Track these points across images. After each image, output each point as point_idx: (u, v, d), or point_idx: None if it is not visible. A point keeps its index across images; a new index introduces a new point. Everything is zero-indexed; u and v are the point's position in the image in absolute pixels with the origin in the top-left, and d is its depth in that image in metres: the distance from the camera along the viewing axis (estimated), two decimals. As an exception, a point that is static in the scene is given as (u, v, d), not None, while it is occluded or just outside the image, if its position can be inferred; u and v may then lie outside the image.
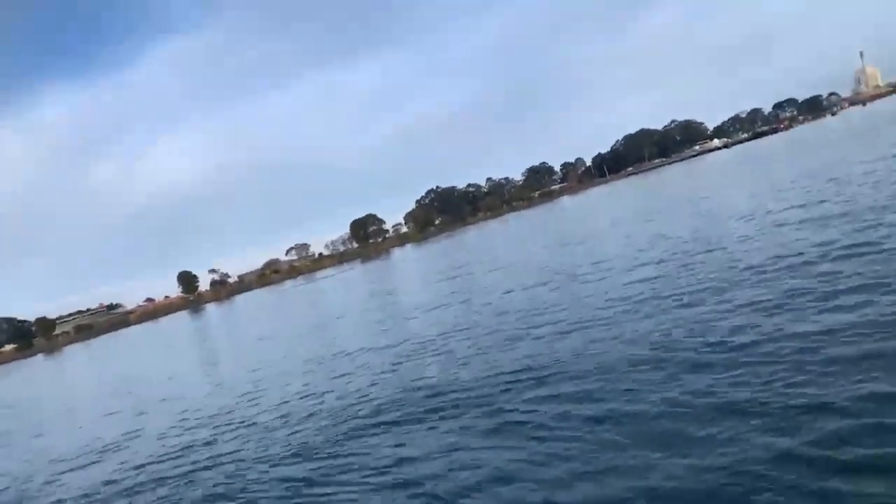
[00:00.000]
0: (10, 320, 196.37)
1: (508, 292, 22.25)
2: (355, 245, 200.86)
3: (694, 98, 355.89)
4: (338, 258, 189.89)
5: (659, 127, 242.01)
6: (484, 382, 11.34)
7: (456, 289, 28.58)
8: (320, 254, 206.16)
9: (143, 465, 12.73)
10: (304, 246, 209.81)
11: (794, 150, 65.35)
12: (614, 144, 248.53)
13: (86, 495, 11.77)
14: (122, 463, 13.50)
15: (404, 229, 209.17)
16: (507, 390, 10.51)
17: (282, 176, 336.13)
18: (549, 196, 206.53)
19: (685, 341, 10.41)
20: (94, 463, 14.42)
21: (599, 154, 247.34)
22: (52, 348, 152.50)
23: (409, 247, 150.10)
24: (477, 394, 10.78)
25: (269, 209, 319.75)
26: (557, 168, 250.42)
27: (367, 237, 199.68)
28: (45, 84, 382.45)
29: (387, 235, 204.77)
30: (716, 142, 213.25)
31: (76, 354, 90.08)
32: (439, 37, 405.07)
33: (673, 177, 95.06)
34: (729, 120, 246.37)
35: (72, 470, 14.30)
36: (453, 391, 11.31)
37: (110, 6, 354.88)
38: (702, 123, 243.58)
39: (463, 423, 9.56)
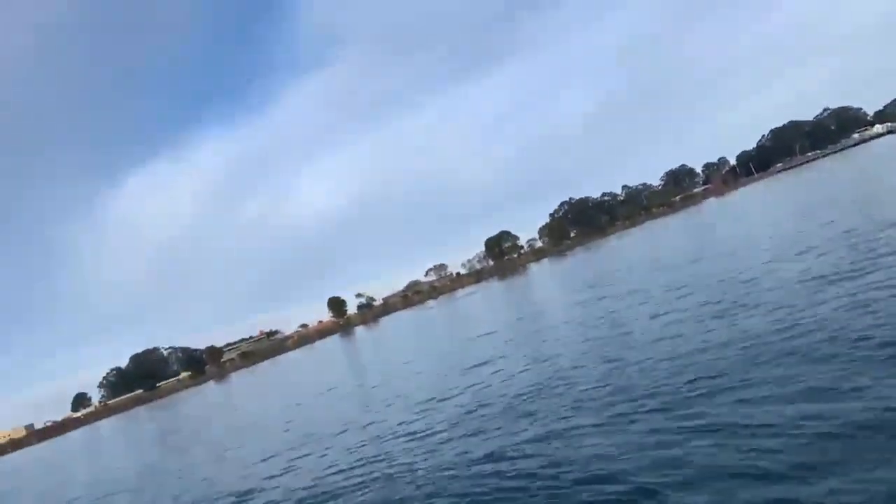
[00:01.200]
0: (185, 349, 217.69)
1: (654, 316, 19.49)
2: (491, 262, 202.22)
3: (848, 83, 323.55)
4: (475, 276, 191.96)
5: (810, 117, 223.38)
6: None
7: (601, 308, 27.26)
8: (458, 273, 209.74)
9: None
10: (442, 266, 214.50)
11: None
12: (760, 140, 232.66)
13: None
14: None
15: (539, 244, 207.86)
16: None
17: (416, 199, 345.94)
18: (692, 200, 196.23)
19: None
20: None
21: (744, 151, 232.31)
22: (221, 375, 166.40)
23: (545, 261, 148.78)
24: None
25: (406, 232, 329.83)
26: (699, 170, 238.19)
27: (502, 254, 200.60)
28: (199, 128, 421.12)
29: (522, 251, 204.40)
30: (878, 128, 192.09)
31: (247, 379, 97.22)
32: (562, 45, 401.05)
33: (834, 168, 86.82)
34: (892, 102, 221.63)
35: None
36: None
37: (241, 55, 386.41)
38: (860, 109, 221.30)
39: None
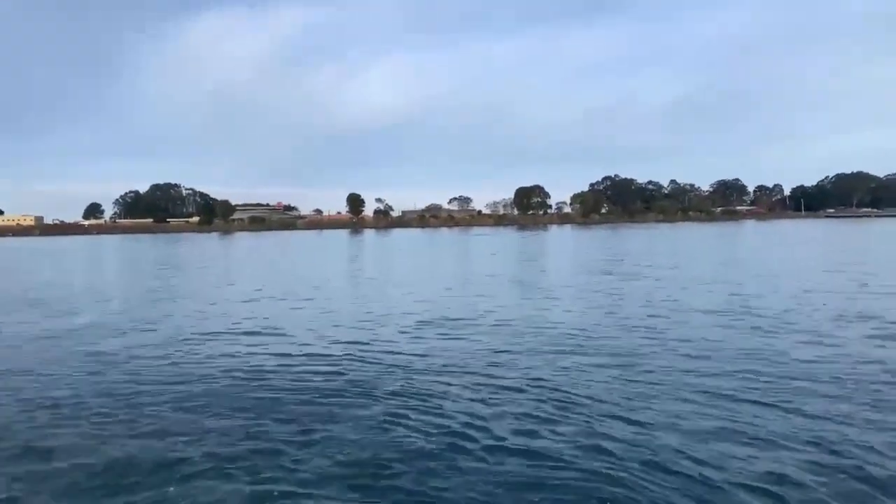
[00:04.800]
0: (203, 195, 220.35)
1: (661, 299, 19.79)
2: (516, 212, 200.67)
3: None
4: (495, 219, 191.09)
5: (881, 174, 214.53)
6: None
7: (608, 283, 26.58)
8: (479, 211, 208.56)
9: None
10: (467, 199, 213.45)
11: None
12: (822, 180, 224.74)
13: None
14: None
15: (567, 209, 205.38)
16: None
17: (467, 125, 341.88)
18: (733, 216, 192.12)
19: None
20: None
21: (801, 186, 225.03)
22: (226, 230, 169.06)
23: (568, 227, 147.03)
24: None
25: (445, 154, 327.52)
26: (751, 189, 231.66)
27: (529, 207, 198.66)
28: None
29: (549, 210, 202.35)
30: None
31: (249, 241, 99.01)
32: (672, 22, 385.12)
33: (884, 231, 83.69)
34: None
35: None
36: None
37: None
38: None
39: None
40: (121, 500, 6.28)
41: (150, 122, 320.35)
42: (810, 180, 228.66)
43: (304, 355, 12.44)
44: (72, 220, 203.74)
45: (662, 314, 16.60)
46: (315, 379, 10.60)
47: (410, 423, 8.32)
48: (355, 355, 12.34)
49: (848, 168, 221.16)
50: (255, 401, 9.43)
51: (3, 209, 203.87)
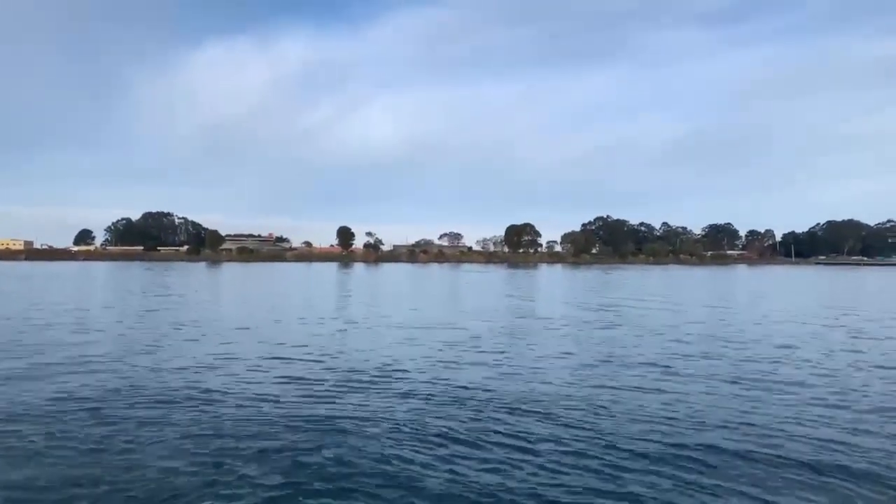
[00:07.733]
0: (195, 224, 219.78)
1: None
2: (506, 249, 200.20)
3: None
4: (486, 256, 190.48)
5: (871, 223, 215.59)
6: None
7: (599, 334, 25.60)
8: (470, 248, 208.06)
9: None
10: (457, 235, 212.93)
11: None
12: (813, 227, 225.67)
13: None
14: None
15: (558, 248, 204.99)
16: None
17: (462, 163, 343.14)
18: (723, 260, 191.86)
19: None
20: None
21: (793, 232, 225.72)
22: (215, 260, 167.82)
23: (559, 266, 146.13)
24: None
25: (436, 190, 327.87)
26: (742, 234, 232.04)
27: (519, 245, 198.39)
28: (291, 19, 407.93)
29: (540, 249, 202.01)
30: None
31: (236, 270, 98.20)
32: (673, 67, 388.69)
33: (873, 279, 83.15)
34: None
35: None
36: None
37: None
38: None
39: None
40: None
41: (146, 150, 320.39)
42: (802, 227, 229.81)
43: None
44: (62, 246, 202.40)
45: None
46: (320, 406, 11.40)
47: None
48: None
49: (839, 216, 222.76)
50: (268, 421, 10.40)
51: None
